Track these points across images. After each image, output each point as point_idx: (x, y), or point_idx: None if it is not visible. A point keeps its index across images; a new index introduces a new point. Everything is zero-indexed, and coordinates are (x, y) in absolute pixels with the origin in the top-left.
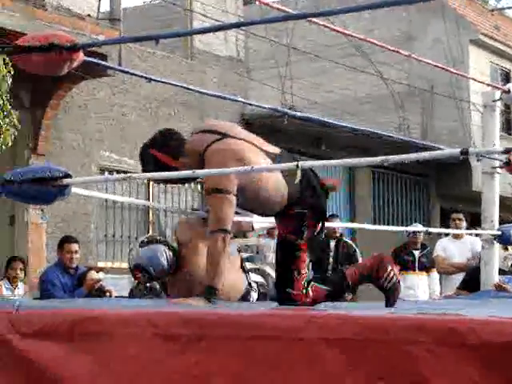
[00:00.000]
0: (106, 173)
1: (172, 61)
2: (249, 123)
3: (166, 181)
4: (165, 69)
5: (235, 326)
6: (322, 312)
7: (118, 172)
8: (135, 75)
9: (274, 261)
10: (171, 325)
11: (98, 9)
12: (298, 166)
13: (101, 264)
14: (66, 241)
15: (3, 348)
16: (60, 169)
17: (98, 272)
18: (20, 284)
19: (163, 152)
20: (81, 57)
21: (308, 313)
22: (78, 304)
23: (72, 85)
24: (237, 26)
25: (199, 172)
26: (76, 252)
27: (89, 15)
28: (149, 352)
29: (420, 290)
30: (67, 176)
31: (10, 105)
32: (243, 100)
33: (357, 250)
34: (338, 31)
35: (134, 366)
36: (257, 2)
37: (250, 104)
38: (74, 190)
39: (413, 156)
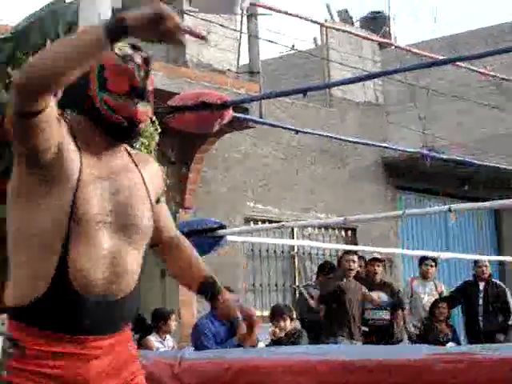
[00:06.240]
0: (252, 223)
1: (311, 110)
2: (390, 167)
3: None
4: (304, 118)
5: None
6: None
7: (263, 222)
8: (281, 127)
9: None
10: (333, 372)
11: (238, 62)
12: (450, 209)
13: None
14: None
15: None
16: (215, 220)
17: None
18: (168, 336)
19: None
20: (231, 113)
21: None
22: (237, 354)
23: (216, 138)
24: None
25: None
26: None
27: (229, 69)
28: None
29: None
30: (222, 227)
31: (158, 161)
32: (384, 145)
33: (507, 290)
34: (479, 72)
35: None
36: (393, 47)
37: (392, 148)
38: (229, 238)
39: None
